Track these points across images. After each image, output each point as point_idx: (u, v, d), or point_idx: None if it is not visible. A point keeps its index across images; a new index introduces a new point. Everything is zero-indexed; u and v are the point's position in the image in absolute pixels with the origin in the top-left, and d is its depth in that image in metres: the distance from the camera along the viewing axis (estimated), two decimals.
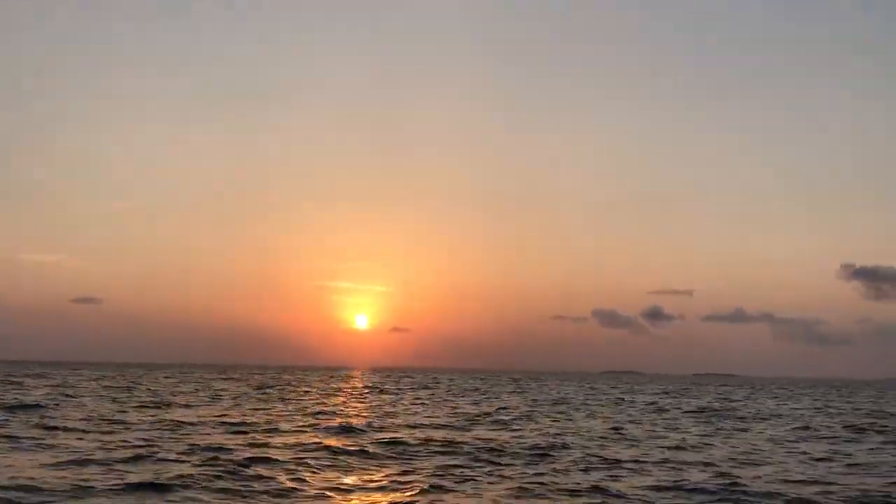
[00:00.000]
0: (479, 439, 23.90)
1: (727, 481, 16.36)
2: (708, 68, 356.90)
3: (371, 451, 20.62)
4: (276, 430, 25.72)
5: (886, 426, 35.09)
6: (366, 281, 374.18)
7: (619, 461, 19.65)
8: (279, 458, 18.61)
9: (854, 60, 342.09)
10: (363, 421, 30.52)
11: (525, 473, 17.05)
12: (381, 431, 26.63)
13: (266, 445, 21.08)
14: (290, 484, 15.33)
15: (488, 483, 15.87)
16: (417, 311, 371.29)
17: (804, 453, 23.09)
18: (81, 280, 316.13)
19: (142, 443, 20.80)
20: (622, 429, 29.43)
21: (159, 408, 35.87)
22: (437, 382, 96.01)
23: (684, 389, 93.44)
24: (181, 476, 15.18)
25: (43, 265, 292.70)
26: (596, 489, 15.16)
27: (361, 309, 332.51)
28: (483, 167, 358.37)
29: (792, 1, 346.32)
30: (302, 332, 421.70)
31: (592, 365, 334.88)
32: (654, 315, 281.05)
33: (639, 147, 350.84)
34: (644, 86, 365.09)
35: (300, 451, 20.13)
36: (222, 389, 58.60)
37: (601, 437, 26.10)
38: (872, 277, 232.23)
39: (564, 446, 22.63)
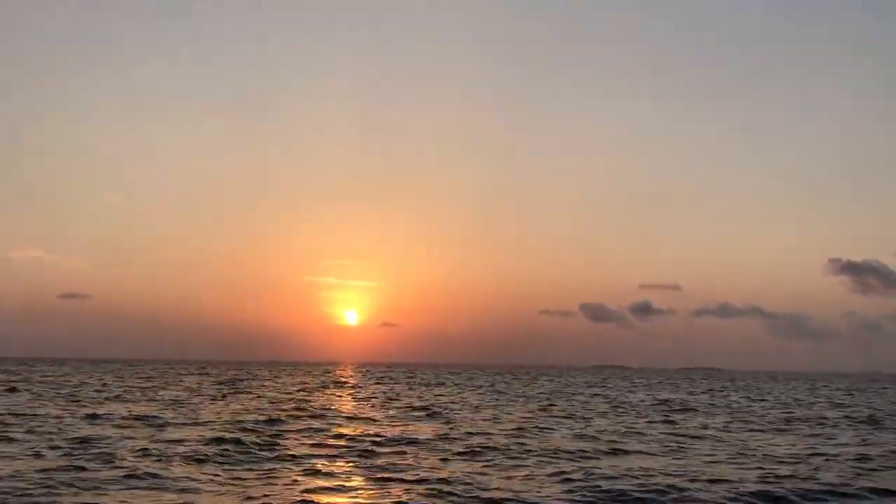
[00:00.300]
0: (382, 433, 23.74)
1: (578, 475, 16.13)
2: (703, 67, 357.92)
3: (255, 441, 20.46)
4: (187, 424, 25.53)
5: (820, 419, 35.12)
6: (356, 277, 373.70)
7: (497, 450, 19.65)
8: (154, 450, 18.39)
9: (850, 60, 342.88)
10: (288, 415, 30.44)
11: (377, 465, 16.87)
12: (296, 422, 26.67)
13: (153, 439, 20.89)
14: (129, 472, 15.21)
15: (329, 476, 15.64)
16: (407, 307, 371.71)
17: (704, 445, 22.97)
18: (69, 276, 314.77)
19: (17, 437, 20.61)
20: (540, 422, 29.38)
21: (96, 402, 35.71)
22: (411, 377, 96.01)
23: (659, 384, 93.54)
24: (17, 470, 15.02)
25: (30, 261, 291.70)
26: (429, 479, 14.96)
27: (352, 305, 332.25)
28: (472, 165, 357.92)
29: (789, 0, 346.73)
30: (294, 328, 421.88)
31: (581, 359, 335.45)
32: (643, 309, 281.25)
33: (629, 145, 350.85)
34: (635, 85, 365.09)
35: (182, 444, 19.82)
36: (180, 385, 58.46)
37: (516, 429, 25.97)
38: (860, 272, 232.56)
39: (457, 438, 22.47)
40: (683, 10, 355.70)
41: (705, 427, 28.93)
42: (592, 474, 15.79)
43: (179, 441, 20.40)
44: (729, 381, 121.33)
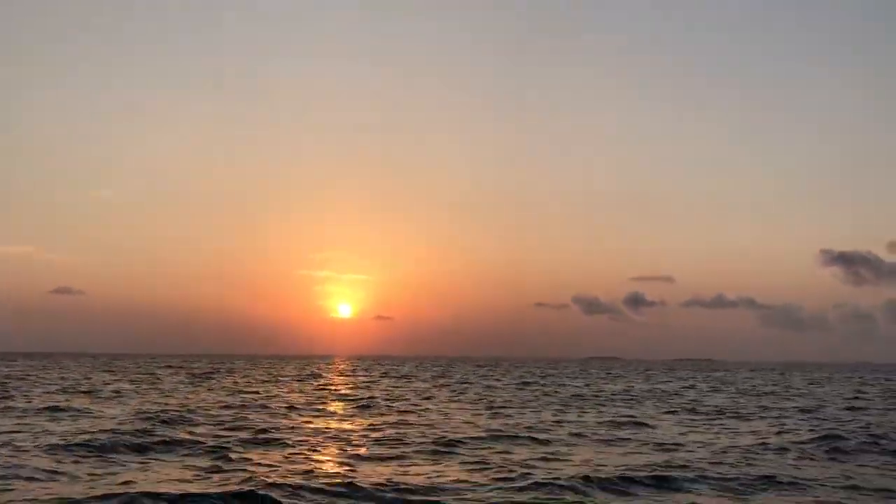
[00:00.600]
0: (291, 426, 23.58)
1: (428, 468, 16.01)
2: (697, 63, 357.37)
3: (141, 431, 20.29)
4: (98, 417, 25.32)
5: (763, 408, 35.09)
6: (350, 270, 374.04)
7: (386, 441, 19.58)
8: (26, 442, 18.24)
9: (848, 59, 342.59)
10: (221, 405, 30.39)
11: (240, 458, 16.61)
12: (218, 413, 26.56)
13: (41, 430, 20.77)
14: None
15: (174, 466, 15.46)
16: (401, 300, 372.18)
17: (607, 433, 22.84)
18: (61, 272, 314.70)
19: None
20: (469, 413, 29.33)
21: (34, 396, 35.62)
22: (393, 369, 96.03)
23: (636, 375, 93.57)
24: None
25: (22, 257, 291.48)
26: (271, 472, 14.72)
27: (346, 298, 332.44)
28: (466, 159, 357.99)
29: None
30: (288, 321, 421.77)
31: (575, 351, 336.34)
32: (636, 301, 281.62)
33: (621, 140, 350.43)
34: (631, 83, 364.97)
35: (64, 436, 19.50)
36: (145, 378, 58.44)
37: (434, 421, 25.86)
38: (851, 263, 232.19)
39: (365, 431, 22.22)
40: (681, 9, 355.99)
41: (631, 416, 28.76)
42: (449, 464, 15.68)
43: (67, 432, 20.23)
44: (711, 371, 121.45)
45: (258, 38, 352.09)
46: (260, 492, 12.38)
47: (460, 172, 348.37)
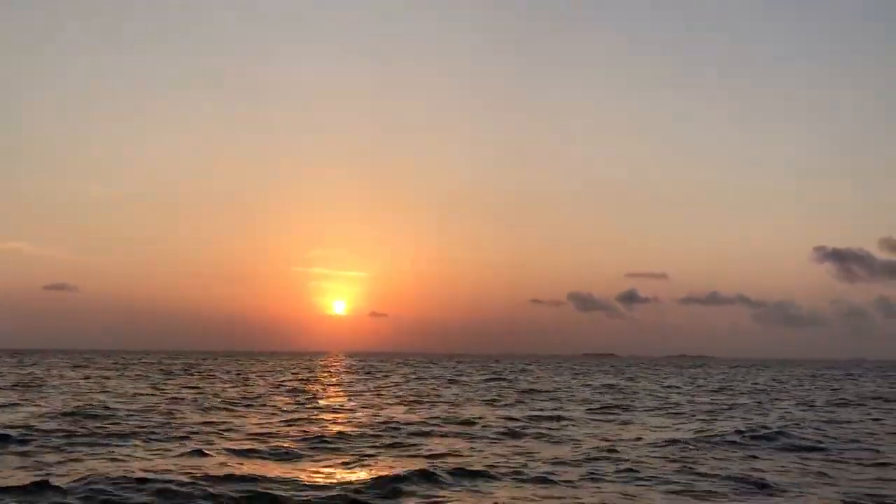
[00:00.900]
0: (189, 421, 23.46)
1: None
2: (692, 62, 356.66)
3: (30, 424, 20.21)
4: (20, 413, 25.23)
5: (691, 403, 34.98)
6: (345, 267, 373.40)
7: (265, 436, 19.39)
8: None
9: (843, 60, 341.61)
10: (134, 403, 30.23)
11: (108, 454, 16.48)
12: (135, 406, 26.42)
13: None
14: None
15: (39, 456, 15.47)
16: (396, 297, 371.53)
17: (515, 427, 22.70)
18: (55, 268, 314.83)
19: None
20: (395, 409, 29.21)
21: None
22: (363, 366, 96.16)
23: (617, 370, 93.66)
24: None
25: (15, 253, 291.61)
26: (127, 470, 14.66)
27: (340, 295, 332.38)
28: (461, 156, 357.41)
29: None
30: (284, 318, 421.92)
31: (571, 348, 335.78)
32: (630, 298, 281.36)
33: (617, 136, 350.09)
34: (626, 78, 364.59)
35: None
36: (114, 374, 58.42)
37: (347, 419, 25.74)
38: (844, 260, 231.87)
39: (234, 429, 22.05)
40: (682, 9, 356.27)
41: (556, 411, 28.64)
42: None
43: None
44: (691, 367, 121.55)
45: (258, 38, 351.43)
46: (96, 486, 12.36)
47: (456, 171, 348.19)
